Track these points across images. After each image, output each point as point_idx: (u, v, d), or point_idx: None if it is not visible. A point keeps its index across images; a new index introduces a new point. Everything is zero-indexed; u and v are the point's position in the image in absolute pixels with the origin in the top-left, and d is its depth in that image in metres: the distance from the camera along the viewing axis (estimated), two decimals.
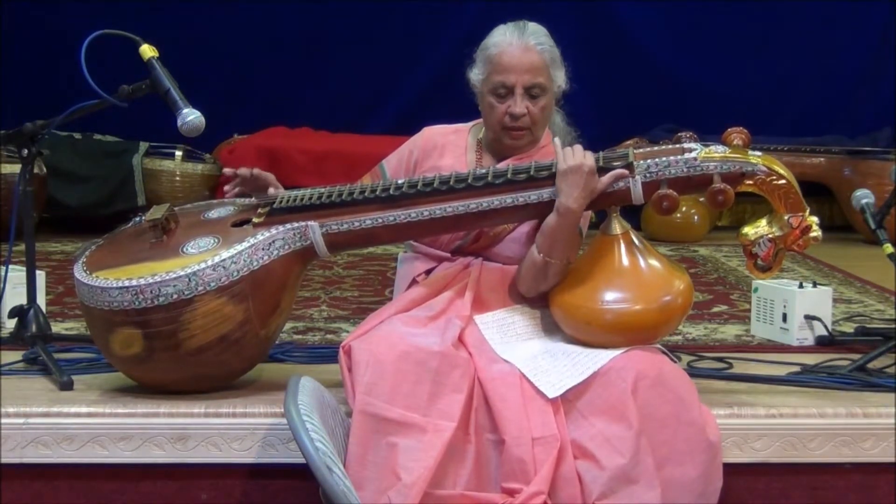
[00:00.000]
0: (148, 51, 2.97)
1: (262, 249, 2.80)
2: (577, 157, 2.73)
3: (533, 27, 2.96)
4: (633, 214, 4.82)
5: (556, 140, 2.80)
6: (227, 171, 3.06)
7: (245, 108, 6.40)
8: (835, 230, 6.11)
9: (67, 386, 2.92)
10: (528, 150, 2.98)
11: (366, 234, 2.85)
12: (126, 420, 2.77)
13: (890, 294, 4.34)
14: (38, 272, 3.30)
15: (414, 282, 2.98)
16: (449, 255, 2.99)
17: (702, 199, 5.74)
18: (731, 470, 2.74)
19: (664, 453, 2.60)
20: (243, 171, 3.01)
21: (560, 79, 2.95)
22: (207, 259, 2.76)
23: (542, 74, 2.90)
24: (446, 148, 3.04)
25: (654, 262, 2.77)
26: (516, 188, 2.76)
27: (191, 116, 2.91)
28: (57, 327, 3.51)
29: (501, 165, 2.85)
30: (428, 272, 2.98)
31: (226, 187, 3.07)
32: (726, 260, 5.33)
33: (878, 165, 6.00)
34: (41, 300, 3.35)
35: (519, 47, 2.90)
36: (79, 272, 2.85)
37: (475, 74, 2.97)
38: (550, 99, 2.94)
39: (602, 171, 2.74)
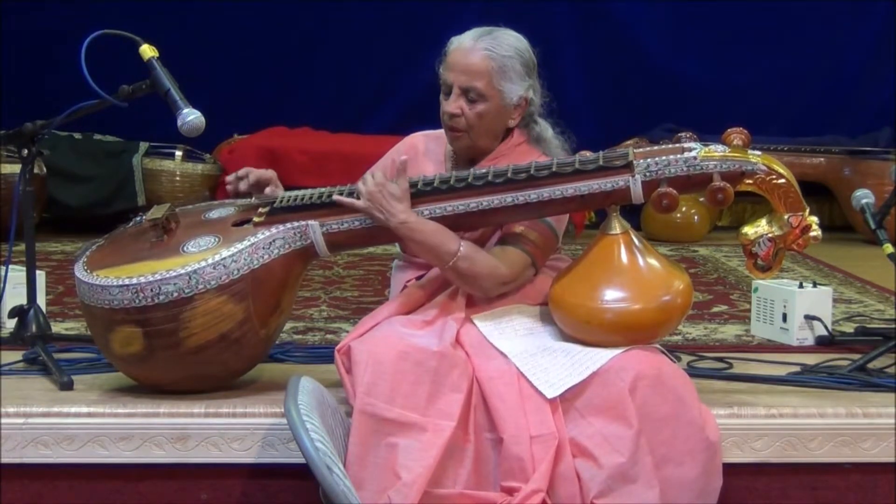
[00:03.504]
0: (148, 51, 2.97)
1: (263, 248, 2.80)
2: (366, 187, 2.78)
3: (499, 33, 2.90)
4: (633, 214, 4.84)
5: (337, 197, 2.83)
6: (229, 178, 3.04)
7: (245, 108, 6.40)
8: (835, 230, 6.11)
9: (67, 386, 2.92)
10: (500, 150, 2.95)
11: (366, 233, 2.86)
12: (126, 420, 2.77)
13: (890, 294, 4.34)
14: (38, 272, 3.30)
15: (405, 287, 2.98)
16: None
17: (702, 199, 5.74)
18: (731, 470, 2.75)
19: (663, 453, 2.61)
20: (242, 172, 3.01)
21: (513, 91, 2.87)
22: (208, 258, 2.76)
23: (480, 80, 2.85)
24: (428, 155, 3.04)
25: (654, 262, 2.77)
26: (517, 187, 2.76)
27: (191, 116, 2.91)
28: (57, 327, 3.51)
29: (501, 165, 2.85)
30: (419, 278, 2.98)
31: (228, 184, 3.05)
32: (726, 260, 5.33)
33: (878, 165, 6.00)
34: (41, 300, 3.35)
35: (466, 48, 2.87)
36: (79, 271, 2.86)
37: (440, 69, 2.97)
38: (492, 108, 2.87)
39: (602, 170, 2.74)
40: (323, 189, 2.90)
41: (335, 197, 2.85)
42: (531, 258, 2.86)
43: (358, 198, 2.81)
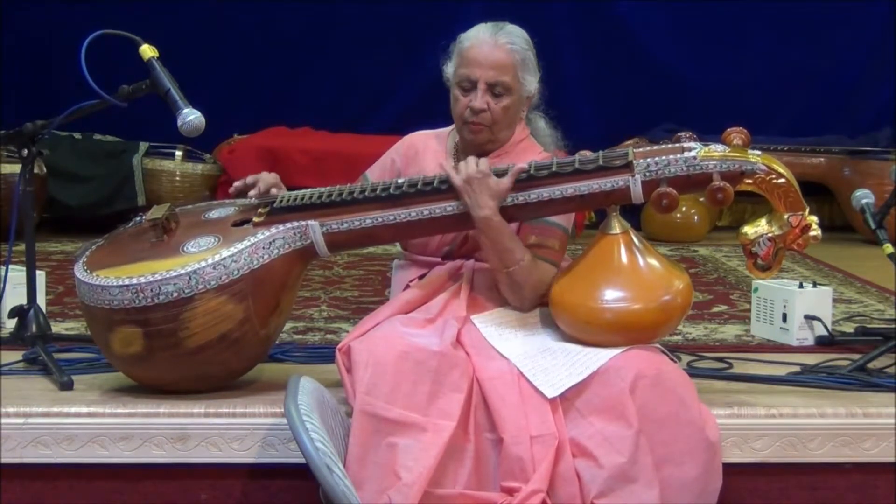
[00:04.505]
0: (148, 51, 2.97)
1: (263, 248, 2.80)
2: (468, 168, 2.76)
3: (510, 28, 2.95)
4: (633, 214, 4.83)
5: (443, 163, 2.84)
6: (237, 184, 3.03)
7: (245, 108, 6.40)
8: (835, 230, 6.11)
9: (67, 386, 2.92)
10: (504, 148, 2.97)
11: (366, 233, 2.86)
12: (126, 420, 2.77)
13: (890, 294, 4.34)
14: (38, 272, 3.30)
15: (407, 287, 2.98)
16: (440, 259, 3.00)
17: (702, 199, 5.77)
18: (731, 470, 2.75)
19: (663, 453, 2.61)
20: (251, 180, 3.00)
21: (530, 83, 2.93)
22: (208, 258, 2.76)
23: (507, 73, 2.89)
24: (427, 153, 3.04)
25: (654, 262, 2.77)
26: (517, 187, 2.76)
27: (191, 116, 2.91)
28: (57, 327, 3.51)
29: (501, 165, 2.85)
30: (421, 278, 2.98)
31: (233, 190, 3.04)
32: (726, 260, 5.33)
33: (878, 165, 6.00)
34: (41, 300, 3.34)
35: (488, 43, 2.90)
36: (79, 271, 2.86)
37: (448, 67, 2.98)
38: (515, 100, 2.92)
39: (602, 170, 2.75)
40: (323, 189, 2.90)
41: (442, 162, 2.85)
42: (556, 267, 2.88)
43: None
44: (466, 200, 2.76)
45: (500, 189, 2.75)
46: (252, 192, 2.98)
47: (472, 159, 2.79)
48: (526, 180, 2.77)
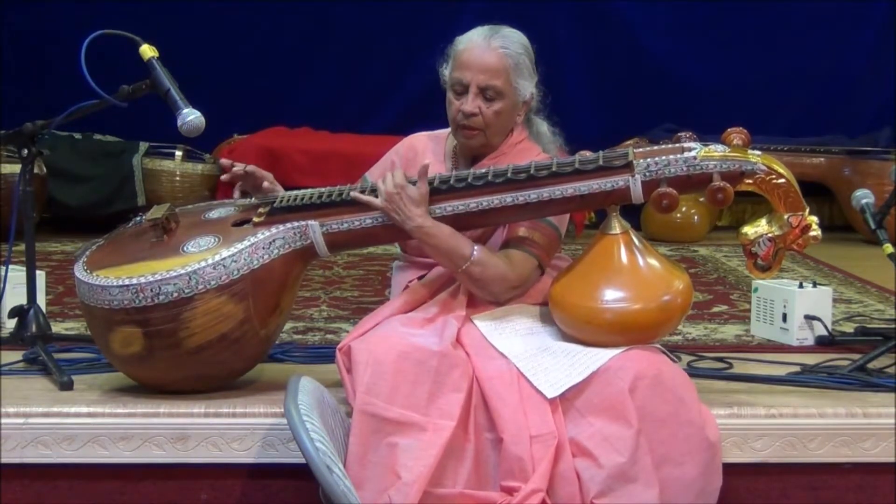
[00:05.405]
0: (148, 51, 2.97)
1: (263, 248, 2.80)
2: (385, 186, 2.77)
3: (507, 32, 2.93)
4: (633, 214, 4.82)
5: (354, 195, 2.83)
6: (224, 162, 3.06)
7: (245, 108, 6.40)
8: (835, 230, 6.12)
9: (67, 386, 2.92)
10: (501, 149, 2.97)
11: (366, 233, 2.86)
12: (126, 420, 2.77)
13: (890, 294, 4.34)
14: (38, 272, 3.30)
15: (407, 287, 2.98)
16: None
17: (702, 199, 5.75)
18: (731, 470, 2.75)
19: (663, 453, 2.61)
20: (238, 167, 3.02)
21: (524, 88, 2.92)
22: (208, 258, 2.77)
23: (499, 77, 2.87)
24: (426, 155, 3.04)
25: (654, 262, 2.77)
26: (517, 187, 2.77)
27: (191, 116, 2.91)
28: (57, 327, 3.51)
29: (501, 165, 2.85)
30: (420, 278, 2.98)
31: (223, 177, 3.06)
32: (726, 260, 5.34)
33: (878, 165, 6.01)
34: (41, 300, 3.35)
35: (481, 47, 2.89)
36: (79, 271, 2.86)
37: (445, 70, 2.98)
38: (508, 105, 2.91)
39: (602, 170, 2.75)
40: (323, 189, 2.90)
41: (353, 194, 2.85)
42: (537, 260, 2.86)
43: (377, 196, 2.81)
44: (395, 217, 2.77)
45: (420, 195, 2.77)
46: (236, 168, 2.99)
47: (387, 177, 2.80)
48: (526, 180, 2.77)
